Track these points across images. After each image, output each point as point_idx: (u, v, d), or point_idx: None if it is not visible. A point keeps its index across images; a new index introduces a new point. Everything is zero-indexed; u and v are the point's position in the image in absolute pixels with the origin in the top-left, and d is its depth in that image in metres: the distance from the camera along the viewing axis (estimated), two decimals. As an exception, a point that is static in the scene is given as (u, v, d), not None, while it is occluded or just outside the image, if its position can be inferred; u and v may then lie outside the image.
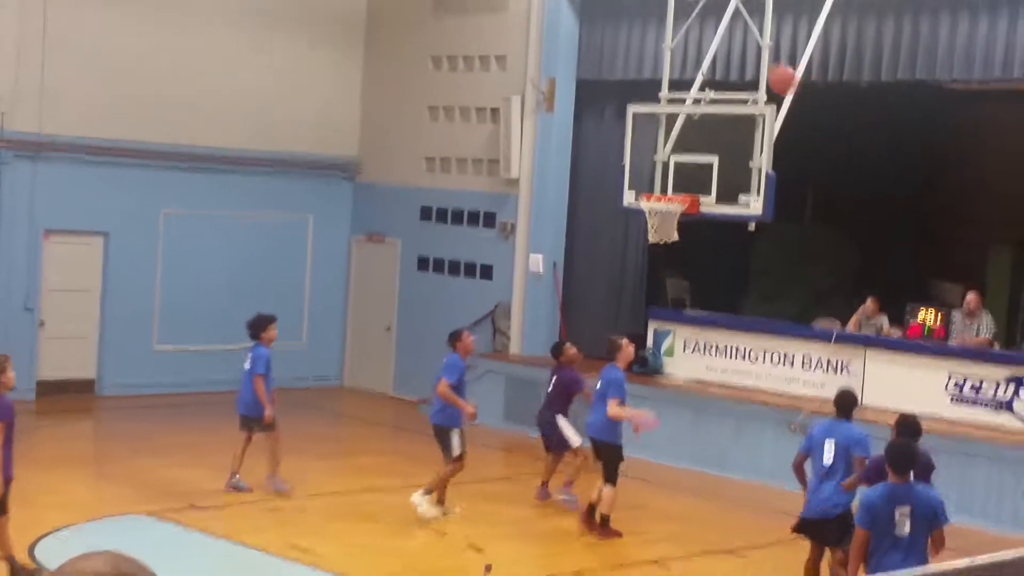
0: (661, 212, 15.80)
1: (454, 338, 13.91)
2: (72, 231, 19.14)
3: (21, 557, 11.41)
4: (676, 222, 15.63)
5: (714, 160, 15.75)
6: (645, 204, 16.04)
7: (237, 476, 14.07)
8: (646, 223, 16.09)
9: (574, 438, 14.35)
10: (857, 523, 8.70)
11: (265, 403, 14.19)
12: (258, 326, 14.78)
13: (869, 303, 17.44)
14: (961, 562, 6.49)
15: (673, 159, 16.07)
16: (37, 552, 11.65)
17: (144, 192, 19.58)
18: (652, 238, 15.83)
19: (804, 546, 13.60)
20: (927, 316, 17.18)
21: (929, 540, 8.65)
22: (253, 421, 14.21)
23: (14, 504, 13.28)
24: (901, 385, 16.16)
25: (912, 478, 8.87)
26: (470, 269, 20.25)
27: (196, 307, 20.10)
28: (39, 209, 18.69)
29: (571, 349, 15.16)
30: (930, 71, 16.23)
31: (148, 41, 19.53)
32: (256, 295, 20.61)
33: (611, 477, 13.13)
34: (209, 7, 20.10)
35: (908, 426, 10.24)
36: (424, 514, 13.30)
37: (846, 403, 11.26)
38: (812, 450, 11.16)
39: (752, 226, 15.85)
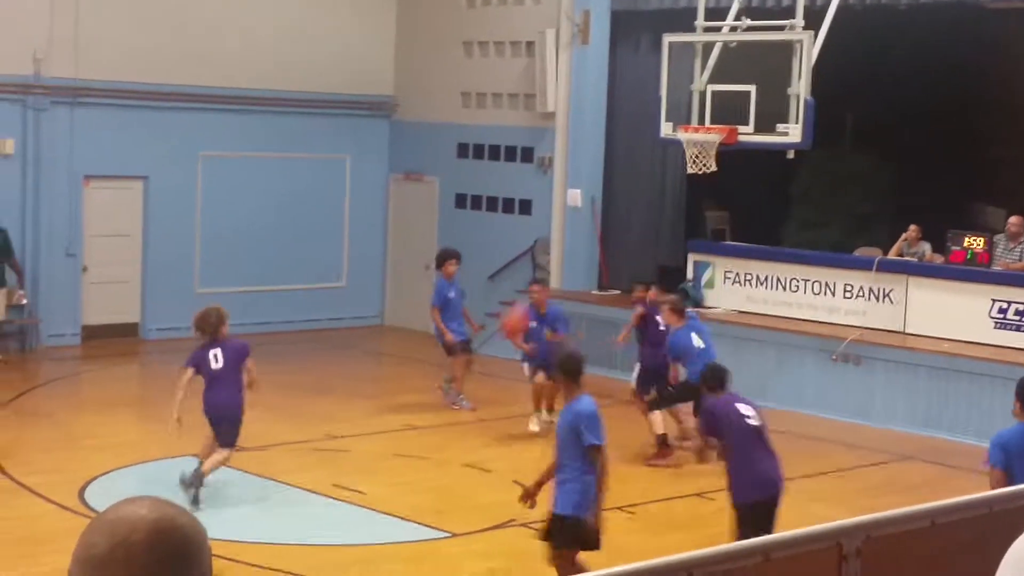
0: (699, 143, 15.69)
1: (436, 263, 15.45)
2: (111, 176, 19.21)
3: (72, 500, 11.55)
4: (715, 152, 15.53)
5: (752, 88, 15.62)
6: (683, 135, 15.93)
7: (461, 396, 15.76)
8: (684, 155, 16.00)
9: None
10: (992, 464, 8.02)
11: (443, 330, 15.54)
12: (437, 261, 16.34)
13: (911, 230, 17.30)
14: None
15: (710, 88, 15.93)
16: (87, 495, 11.77)
17: (182, 135, 19.61)
18: (691, 169, 15.73)
19: (851, 476, 13.62)
20: (970, 241, 17.00)
21: None
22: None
23: (66, 448, 13.48)
24: (944, 312, 16.07)
25: None
26: (508, 205, 20.21)
27: (236, 249, 20.17)
28: (78, 155, 18.75)
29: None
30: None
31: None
32: (295, 235, 20.72)
33: None
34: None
35: None
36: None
37: None
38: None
39: (791, 154, 15.72)
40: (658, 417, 13.69)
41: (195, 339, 11.95)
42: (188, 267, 19.94)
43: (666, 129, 16.43)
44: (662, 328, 14.16)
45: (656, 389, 13.85)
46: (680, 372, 13.58)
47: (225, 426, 11.54)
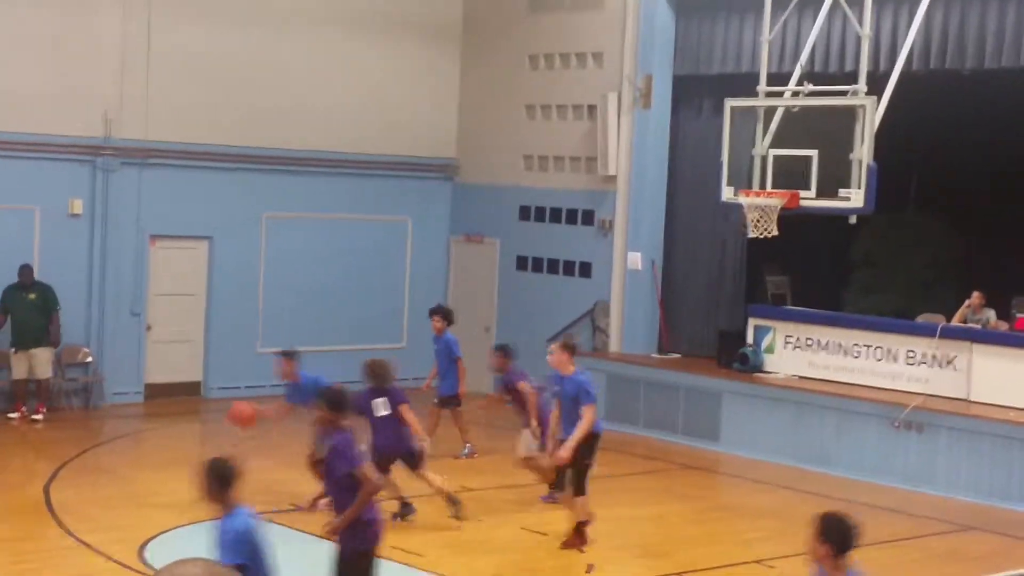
0: (760, 207, 15.67)
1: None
2: (177, 236, 19.46)
3: (131, 558, 11.62)
4: (776, 216, 15.50)
5: (813, 153, 15.60)
6: (744, 199, 15.92)
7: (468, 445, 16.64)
8: (745, 219, 15.98)
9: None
10: None
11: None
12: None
13: (975, 297, 17.17)
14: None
15: (772, 153, 15.93)
16: (147, 552, 11.83)
17: (246, 196, 19.86)
18: (752, 233, 15.71)
19: (911, 545, 13.44)
20: (1031, 311, 16.85)
21: None
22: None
23: (127, 506, 13.57)
24: (1009, 379, 15.89)
25: None
26: (569, 267, 20.26)
27: (298, 309, 20.34)
28: (145, 215, 19.02)
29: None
30: (1034, 58, 15.93)
31: (248, 48, 19.80)
32: (357, 297, 20.86)
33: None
34: (306, 13, 20.31)
35: None
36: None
37: None
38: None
39: (853, 219, 15.66)
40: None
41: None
42: (251, 327, 20.11)
43: (727, 193, 16.42)
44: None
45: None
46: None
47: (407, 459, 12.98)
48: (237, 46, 19.68)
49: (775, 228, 15.38)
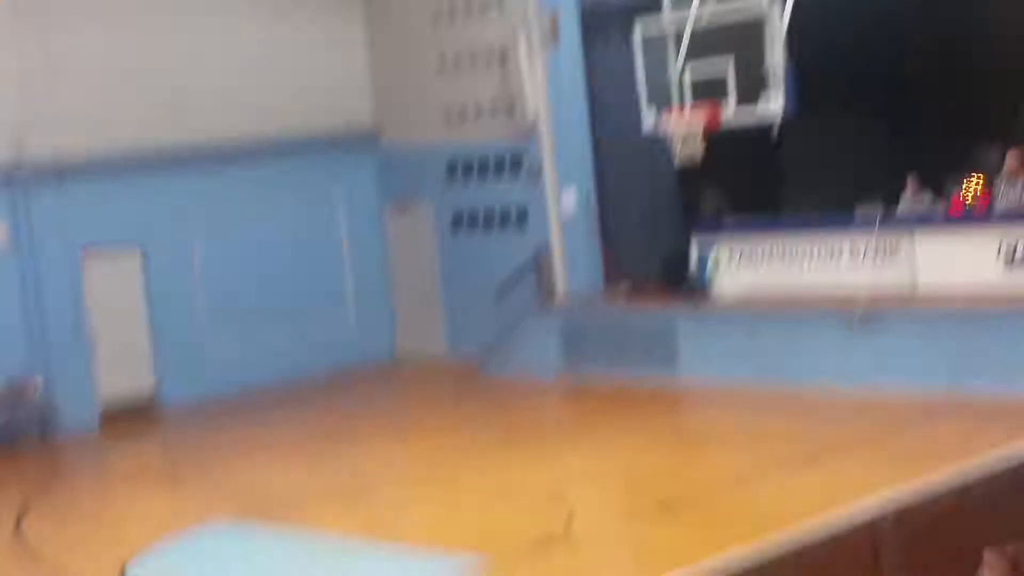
0: (683, 132, 15.57)
1: None
2: (109, 245, 19.10)
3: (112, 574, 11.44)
4: (700, 138, 15.40)
5: (729, 63, 15.50)
6: (667, 126, 15.79)
7: None
8: (671, 145, 15.87)
9: None
10: None
11: None
12: None
13: (910, 183, 17.18)
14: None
15: (688, 68, 15.79)
16: (130, 571, 11.67)
17: (173, 196, 19.51)
18: (679, 160, 15.61)
19: (886, 440, 13.47)
20: (969, 185, 16.85)
21: None
22: None
23: (100, 524, 13.39)
24: (954, 260, 15.92)
25: None
26: (505, 218, 20.09)
27: (241, 305, 20.08)
28: (71, 228, 18.64)
29: None
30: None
31: (152, 41, 19.35)
32: (297, 282, 20.62)
33: None
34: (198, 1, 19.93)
35: None
36: None
37: None
38: None
39: (776, 126, 15.56)
40: None
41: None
42: (198, 329, 19.82)
43: (649, 117, 16.30)
44: None
45: None
46: None
47: None
48: (137, 41, 19.27)
49: (700, 150, 15.28)
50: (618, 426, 15.39)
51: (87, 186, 18.76)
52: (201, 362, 19.65)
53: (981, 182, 16.94)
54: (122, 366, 19.21)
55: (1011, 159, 16.46)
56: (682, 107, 15.84)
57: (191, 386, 19.36)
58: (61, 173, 18.55)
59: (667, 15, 16.04)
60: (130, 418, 18.89)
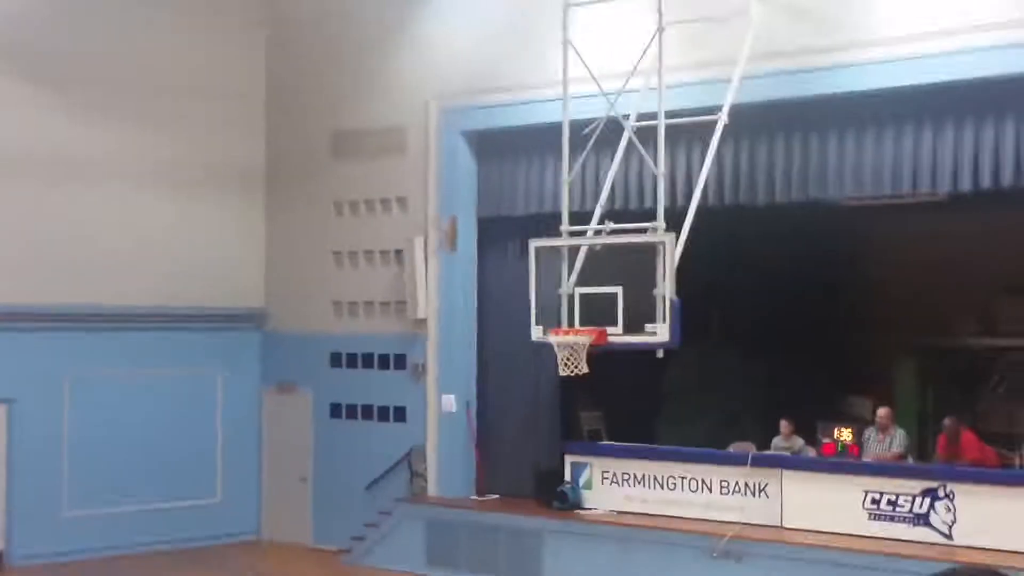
0: (569, 345, 15.79)
1: None
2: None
3: None
4: (585, 354, 15.62)
5: (619, 290, 15.81)
6: (553, 338, 16.02)
7: None
8: (556, 357, 16.06)
9: None
10: None
11: None
12: None
13: (783, 426, 17.55)
14: None
15: (578, 292, 16.10)
16: None
17: (47, 355, 19.27)
18: (562, 371, 15.79)
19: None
20: (840, 434, 17.28)
21: None
22: None
23: None
24: (820, 504, 16.19)
25: None
26: (383, 413, 20.09)
27: (106, 469, 19.71)
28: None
29: None
30: (823, 190, 16.49)
31: (45, 203, 19.39)
32: (167, 453, 20.32)
33: None
34: (104, 164, 19.95)
35: None
36: None
37: None
38: None
39: (660, 353, 15.86)
40: None
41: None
42: (56, 490, 19.38)
43: (536, 332, 16.51)
44: None
45: None
46: None
47: None
48: (30, 203, 19.24)
49: (585, 365, 15.49)
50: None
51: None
52: (56, 525, 19.15)
53: (851, 434, 17.38)
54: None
55: (882, 413, 16.94)
56: (570, 326, 16.08)
57: (42, 546, 18.82)
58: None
59: (564, 235, 16.38)
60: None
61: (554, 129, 16.20)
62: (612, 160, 16.80)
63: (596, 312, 15.82)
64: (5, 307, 18.82)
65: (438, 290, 19.51)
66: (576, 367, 15.71)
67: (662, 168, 15.63)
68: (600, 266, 16.01)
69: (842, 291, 20.87)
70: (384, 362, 20.13)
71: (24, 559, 18.77)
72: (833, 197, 16.67)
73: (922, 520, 15.45)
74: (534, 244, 16.48)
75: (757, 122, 16.47)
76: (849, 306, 21.05)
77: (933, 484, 15.47)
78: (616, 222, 16.13)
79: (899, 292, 20.65)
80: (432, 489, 19.26)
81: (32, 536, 18.90)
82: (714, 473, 17.08)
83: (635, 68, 15.87)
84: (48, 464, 19.30)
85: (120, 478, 19.79)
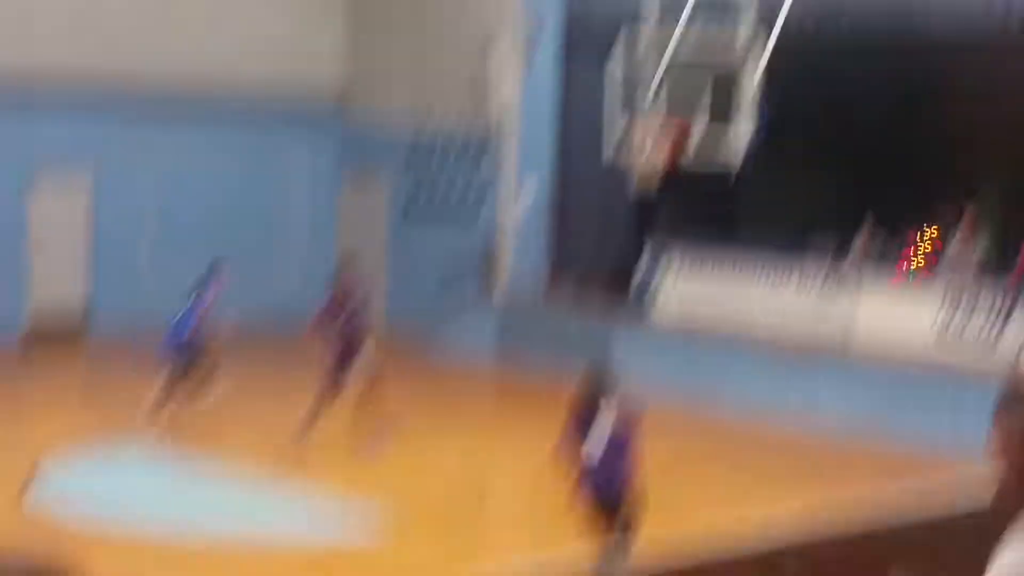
0: (648, 152, 15.62)
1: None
2: (59, 170, 18.94)
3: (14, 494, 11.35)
4: (664, 159, 15.46)
5: (708, 79, 15.56)
6: (634, 140, 15.84)
7: None
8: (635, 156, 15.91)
9: None
10: None
11: None
12: None
13: (864, 230, 17.36)
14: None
15: (665, 80, 15.83)
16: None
17: (131, 132, 19.37)
18: (639, 178, 15.67)
19: (802, 479, 13.60)
20: (923, 240, 17.07)
21: None
22: None
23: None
24: (894, 315, 16.09)
25: None
26: (461, 207, 20.06)
27: (185, 253, 19.82)
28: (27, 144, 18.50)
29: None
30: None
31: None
32: (245, 238, 20.47)
33: None
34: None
35: None
36: None
37: None
38: None
39: (742, 156, 15.64)
40: None
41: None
42: (136, 262, 19.68)
43: (618, 125, 16.33)
44: None
45: None
46: None
47: None
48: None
49: (663, 170, 15.36)
50: (540, 423, 15.41)
51: (48, 104, 18.61)
52: (136, 298, 19.51)
53: (936, 235, 17.12)
54: (57, 282, 19.09)
55: (966, 222, 16.68)
56: (652, 122, 15.85)
57: (123, 311, 19.21)
58: (23, 90, 18.40)
59: (651, 31, 16.05)
60: (58, 339, 18.72)
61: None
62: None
63: (681, 106, 15.61)
64: (94, 79, 18.83)
65: (519, 83, 19.28)
66: (653, 175, 15.60)
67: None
68: (687, 62, 15.74)
69: (938, 107, 20.36)
70: (462, 154, 20.03)
71: (102, 330, 19.15)
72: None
73: (995, 338, 15.31)
74: (621, 40, 16.21)
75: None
76: (941, 113, 20.56)
77: (1010, 300, 15.29)
78: (706, 14, 15.74)
79: (991, 110, 20.12)
80: (505, 281, 19.35)
81: (111, 310, 19.26)
82: (789, 275, 16.98)
83: None
84: (129, 240, 19.56)
85: (198, 261, 19.94)
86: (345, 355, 13.38)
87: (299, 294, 21.07)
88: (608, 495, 9.08)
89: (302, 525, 11.19)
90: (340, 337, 13.42)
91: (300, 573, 10.23)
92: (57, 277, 19.11)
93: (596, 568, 8.87)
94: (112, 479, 12.37)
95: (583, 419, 9.27)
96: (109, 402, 15.41)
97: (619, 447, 9.13)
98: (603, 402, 9.16)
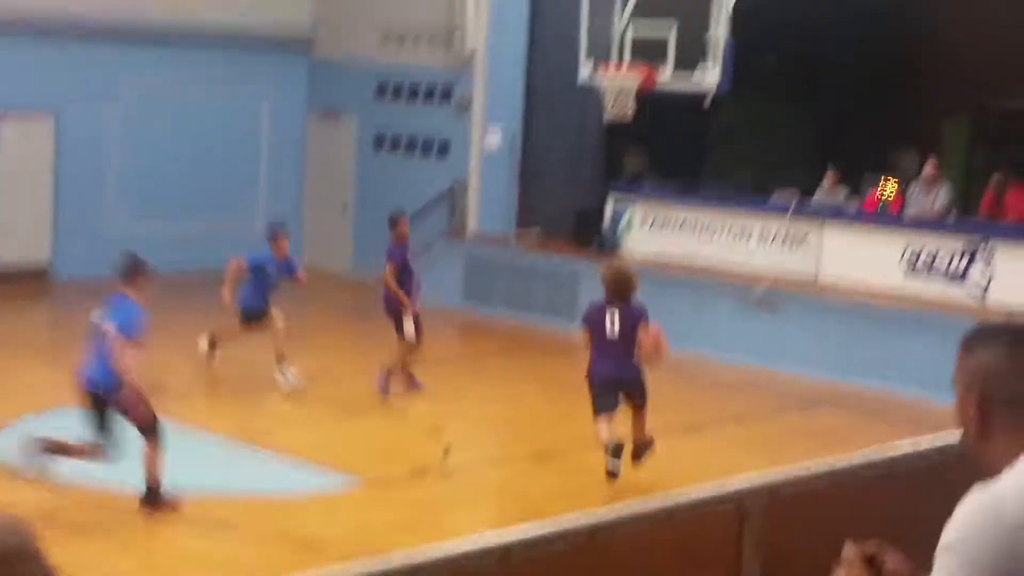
0: (617, 88, 15.62)
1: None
2: (19, 111, 18.77)
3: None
4: (633, 97, 15.47)
5: (672, 28, 15.58)
6: (602, 78, 15.84)
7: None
8: (604, 97, 15.92)
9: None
10: None
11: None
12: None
13: (828, 175, 17.40)
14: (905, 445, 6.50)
15: (631, 26, 15.85)
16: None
17: (94, 67, 19.19)
18: (609, 114, 15.66)
19: (765, 421, 13.76)
20: (884, 187, 17.13)
21: None
22: None
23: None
24: (858, 257, 16.17)
25: None
26: (427, 146, 20.04)
27: (150, 188, 19.85)
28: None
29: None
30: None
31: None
32: (212, 176, 20.42)
33: None
34: None
35: None
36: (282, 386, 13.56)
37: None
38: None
39: (708, 102, 15.69)
40: None
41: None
42: (101, 207, 19.57)
43: (586, 69, 16.34)
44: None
45: None
46: None
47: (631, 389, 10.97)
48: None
49: (631, 108, 15.35)
50: (508, 369, 15.52)
51: (5, 47, 18.39)
52: (101, 242, 19.40)
53: (896, 185, 17.22)
54: (20, 234, 18.92)
55: (929, 167, 16.73)
56: (620, 63, 15.88)
57: (86, 263, 19.10)
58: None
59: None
60: (22, 288, 18.60)
61: None
62: None
63: (647, 51, 15.62)
64: (52, 17, 18.63)
65: (488, 22, 19.18)
66: (623, 109, 15.58)
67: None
68: (656, 3, 15.72)
69: (898, 44, 20.39)
70: (430, 94, 19.97)
71: (67, 273, 19.07)
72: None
73: (959, 277, 15.43)
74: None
75: None
76: (904, 59, 20.60)
77: (975, 242, 15.39)
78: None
79: (957, 48, 20.16)
80: (472, 225, 19.35)
81: (76, 251, 19.16)
82: (755, 221, 17.04)
83: None
84: (93, 179, 19.44)
85: (163, 198, 19.93)
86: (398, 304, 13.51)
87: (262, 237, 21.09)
88: None
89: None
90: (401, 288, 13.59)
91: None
92: (23, 224, 18.94)
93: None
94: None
95: None
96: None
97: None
98: None
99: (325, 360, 15.29)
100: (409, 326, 13.57)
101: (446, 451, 11.50)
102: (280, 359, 13.79)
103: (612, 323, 10.70)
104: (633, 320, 10.77)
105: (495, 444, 12.84)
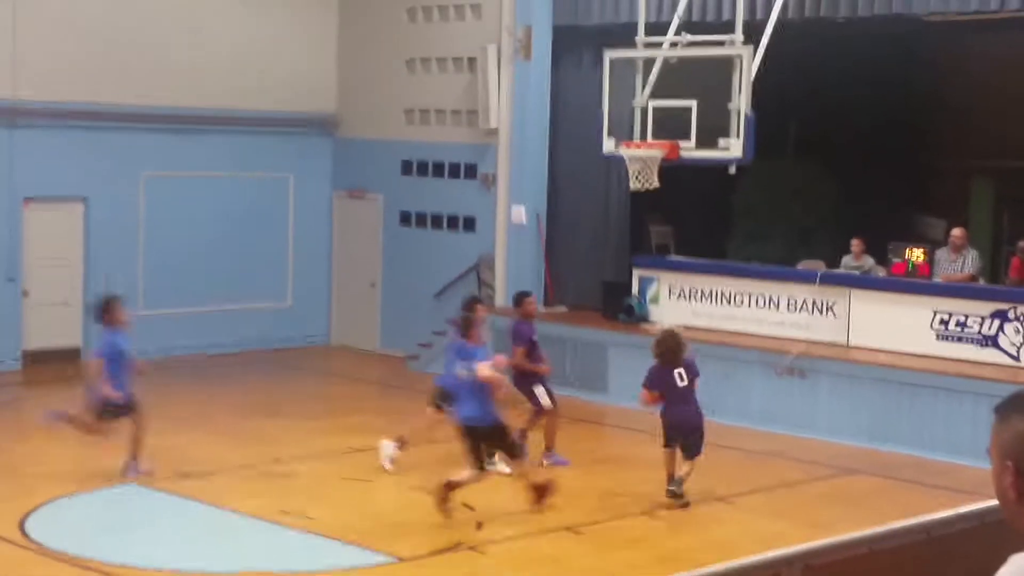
0: (641, 159, 15.73)
1: (515, 302, 14.61)
2: (51, 198, 19.00)
3: (12, 531, 11.38)
4: (657, 168, 15.57)
5: (693, 104, 15.70)
6: (625, 151, 15.96)
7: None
8: (627, 170, 16.03)
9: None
10: None
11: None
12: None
13: (854, 244, 17.44)
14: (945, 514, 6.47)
15: (651, 104, 15.99)
16: (27, 525, 11.60)
17: (123, 155, 19.45)
18: (633, 185, 15.77)
19: (798, 489, 13.69)
20: (911, 254, 17.14)
21: None
22: None
23: (6, 477, 13.27)
24: (887, 324, 16.17)
25: None
26: (453, 222, 20.18)
27: (179, 270, 20.01)
28: (18, 177, 18.53)
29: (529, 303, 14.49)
30: (907, 4, 16.14)
31: (121, 4, 19.34)
32: (239, 255, 20.59)
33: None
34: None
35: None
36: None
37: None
38: None
39: (732, 169, 15.78)
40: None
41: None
42: (131, 289, 19.70)
43: (608, 145, 16.47)
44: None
45: None
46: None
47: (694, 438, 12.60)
48: (110, 3, 19.20)
49: (656, 179, 15.45)
50: (537, 442, 15.46)
51: (37, 135, 18.64)
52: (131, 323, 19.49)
53: (923, 254, 17.23)
54: (52, 317, 19.05)
55: (956, 236, 16.75)
56: (643, 140, 16.00)
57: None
58: (13, 119, 18.42)
59: (639, 46, 16.20)
60: (53, 369, 18.69)
61: (632, -64, 15.86)
62: (691, -31, 16.46)
63: (669, 126, 15.74)
64: (84, 105, 18.91)
65: (511, 100, 19.38)
66: (647, 181, 15.68)
67: (742, -22, 15.31)
68: (675, 80, 15.87)
69: (921, 110, 20.48)
70: (455, 171, 20.13)
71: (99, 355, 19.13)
72: (917, 12, 16.28)
73: (990, 342, 15.40)
74: (609, 55, 16.33)
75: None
76: (927, 125, 20.67)
77: (1004, 306, 15.38)
78: (693, 34, 15.89)
79: (980, 113, 20.23)
80: (500, 300, 19.42)
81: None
82: (782, 290, 17.06)
83: None
84: (123, 263, 19.60)
85: (193, 279, 20.09)
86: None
87: (292, 316, 21.23)
88: None
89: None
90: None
91: None
92: (53, 299, 19.07)
93: None
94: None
95: None
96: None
97: None
98: None
99: (357, 438, 15.30)
100: (543, 394, 13.79)
101: (479, 525, 11.48)
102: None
103: (680, 379, 12.66)
104: (692, 375, 12.84)
105: (527, 517, 12.78)
